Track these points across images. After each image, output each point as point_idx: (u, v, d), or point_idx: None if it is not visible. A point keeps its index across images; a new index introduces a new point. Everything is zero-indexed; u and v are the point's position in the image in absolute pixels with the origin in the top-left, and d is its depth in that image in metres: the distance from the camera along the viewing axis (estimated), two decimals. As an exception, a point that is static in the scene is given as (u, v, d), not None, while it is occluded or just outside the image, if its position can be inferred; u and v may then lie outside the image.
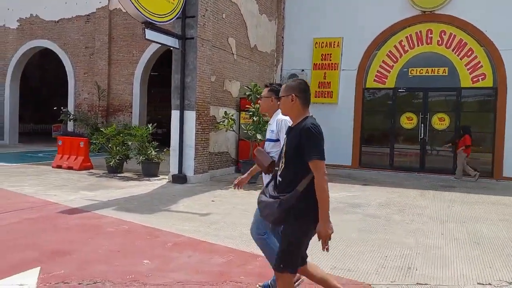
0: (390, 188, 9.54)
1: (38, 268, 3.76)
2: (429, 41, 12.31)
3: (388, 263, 4.29)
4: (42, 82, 26.15)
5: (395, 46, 12.66)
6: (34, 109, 27.48)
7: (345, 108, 13.09)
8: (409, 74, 12.51)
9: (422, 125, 12.35)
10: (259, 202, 2.75)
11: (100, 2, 16.67)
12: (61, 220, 5.58)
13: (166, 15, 8.46)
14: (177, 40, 8.94)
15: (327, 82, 13.29)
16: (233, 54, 11.14)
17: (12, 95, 19.19)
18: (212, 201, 7.29)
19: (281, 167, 2.72)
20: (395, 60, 12.66)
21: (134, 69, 16.35)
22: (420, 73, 12.40)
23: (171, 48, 9.06)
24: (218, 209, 6.60)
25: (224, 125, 9.49)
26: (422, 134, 12.34)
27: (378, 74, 12.87)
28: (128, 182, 9.03)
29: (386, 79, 12.77)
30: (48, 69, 25.03)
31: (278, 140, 3.33)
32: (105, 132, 10.20)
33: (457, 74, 12.02)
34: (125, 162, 10.28)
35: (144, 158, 9.65)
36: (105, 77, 16.67)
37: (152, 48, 15.93)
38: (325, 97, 13.29)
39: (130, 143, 9.89)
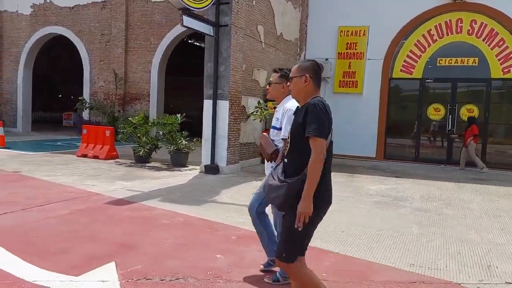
0: (423, 180, 9.39)
1: (113, 263, 3.61)
2: (459, 30, 12.05)
3: (466, 261, 4.14)
4: (51, 69, 25.86)
5: (423, 36, 12.41)
6: (42, 96, 27.27)
7: (370, 99, 12.89)
8: (438, 64, 12.28)
9: (450, 116, 12.16)
10: (267, 186, 2.63)
11: (116, -12, 16.33)
12: (111, 212, 5.43)
13: (203, 1, 8.22)
14: (211, 27, 8.71)
15: (352, 71, 13.06)
16: (261, 42, 10.90)
17: (25, 83, 18.96)
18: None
19: (287, 148, 2.59)
20: (423, 49, 12.42)
21: (152, 57, 16.09)
22: (449, 64, 12.17)
23: (206, 35, 8.84)
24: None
25: (258, 115, 9.30)
26: (449, 126, 12.16)
27: (405, 64, 12.64)
28: (160, 172, 8.88)
29: (414, 69, 12.54)
30: (57, 56, 24.76)
31: (281, 128, 3.25)
32: (133, 121, 10.00)
33: (487, 64, 11.79)
34: (154, 152, 10.11)
35: (175, 148, 9.48)
36: (121, 65, 16.42)
37: (170, 36, 15.67)
38: (349, 87, 13.08)
39: (161, 132, 9.71)
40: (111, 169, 8.92)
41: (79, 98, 17.17)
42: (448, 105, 12.22)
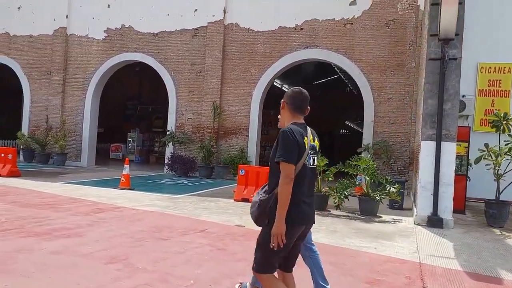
0: None
1: None
2: None
3: None
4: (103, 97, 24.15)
5: None
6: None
7: (516, 139, 12.07)
8: None
9: None
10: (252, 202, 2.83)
11: (213, 16, 15.32)
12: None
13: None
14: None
15: (495, 110, 12.28)
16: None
17: (93, 113, 17.38)
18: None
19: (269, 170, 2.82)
20: None
21: (252, 89, 14.96)
22: None
23: (427, 68, 7.84)
24: None
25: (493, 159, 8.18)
26: None
27: (556, 104, 11.99)
28: (374, 225, 7.60)
29: None
30: (116, 85, 23.17)
31: None
32: (357, 163, 8.51)
33: None
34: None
35: (383, 195, 8.23)
36: (216, 97, 15.18)
37: (276, 67, 14.64)
38: (492, 126, 12.25)
39: (358, 175, 8.47)
40: (324, 222, 7.56)
41: (167, 130, 15.71)
42: None
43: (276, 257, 2.67)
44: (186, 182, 12.92)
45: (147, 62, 16.43)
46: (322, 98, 28.93)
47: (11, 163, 11.51)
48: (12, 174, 11.42)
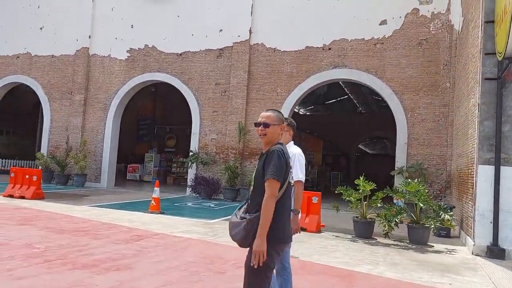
0: None
1: None
2: None
3: None
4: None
5: None
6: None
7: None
8: None
9: None
10: (229, 223, 2.77)
11: (239, 36, 15.15)
12: None
13: (501, 53, 6.91)
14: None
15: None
16: None
17: (114, 133, 17.10)
18: None
19: (251, 189, 2.80)
20: None
21: (278, 109, 14.55)
22: None
23: (482, 88, 7.44)
24: None
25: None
26: None
27: None
28: (430, 255, 7.06)
29: None
30: (130, 105, 23.04)
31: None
32: (406, 187, 7.99)
33: None
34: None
35: (438, 223, 7.70)
36: (241, 117, 14.85)
37: (303, 87, 14.33)
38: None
39: (402, 201, 7.97)
40: (363, 250, 7.04)
41: (190, 151, 15.35)
42: None
43: (268, 279, 2.65)
44: (213, 205, 12.45)
45: (170, 82, 16.22)
46: (333, 118, 28.69)
47: (36, 185, 11.14)
48: (37, 196, 11.04)
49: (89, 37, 17.49)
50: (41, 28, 18.46)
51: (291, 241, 2.83)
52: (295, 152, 3.58)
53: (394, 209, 7.85)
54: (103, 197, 13.02)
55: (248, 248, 2.67)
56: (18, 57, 18.80)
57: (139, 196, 13.92)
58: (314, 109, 30.52)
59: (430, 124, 12.74)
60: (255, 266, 2.53)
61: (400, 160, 12.88)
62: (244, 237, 2.62)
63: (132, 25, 16.91)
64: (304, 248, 6.84)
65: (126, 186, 17.68)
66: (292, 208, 3.33)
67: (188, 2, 16.09)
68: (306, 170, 21.04)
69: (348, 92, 25.07)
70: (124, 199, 12.78)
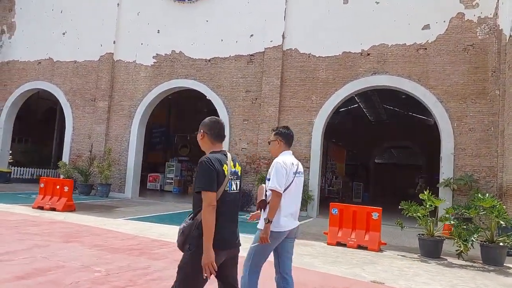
0: None
1: None
2: None
3: None
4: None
5: None
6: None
7: None
8: None
9: None
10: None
11: (271, 41, 14.61)
12: None
13: None
14: None
15: None
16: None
17: (139, 141, 16.56)
18: None
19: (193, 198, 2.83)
20: None
21: (313, 117, 14.01)
22: None
23: None
24: None
25: None
26: None
27: None
28: (503, 278, 6.40)
29: None
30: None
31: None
32: (479, 203, 7.30)
33: None
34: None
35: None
36: (273, 125, 14.09)
37: (340, 94, 13.74)
38: None
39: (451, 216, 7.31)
40: (431, 270, 6.37)
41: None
42: None
43: (198, 285, 2.62)
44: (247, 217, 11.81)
45: (198, 89, 15.68)
46: (348, 128, 27.92)
47: (67, 197, 10.57)
48: (68, 208, 10.46)
49: (114, 42, 17.04)
50: (63, 33, 18.04)
51: (232, 248, 2.78)
52: (277, 161, 3.53)
53: (471, 228, 7.17)
54: (134, 208, 12.42)
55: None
56: (39, 62, 18.38)
57: (170, 208, 13.31)
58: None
59: (478, 133, 12.08)
60: (209, 278, 2.56)
61: (447, 172, 12.20)
62: (181, 243, 2.69)
63: (158, 30, 16.45)
64: (380, 271, 6.19)
65: (148, 196, 17.08)
66: (264, 216, 3.40)
67: (218, 7, 15.62)
68: (330, 180, 20.10)
69: (357, 101, 24.35)
70: (157, 211, 12.15)
